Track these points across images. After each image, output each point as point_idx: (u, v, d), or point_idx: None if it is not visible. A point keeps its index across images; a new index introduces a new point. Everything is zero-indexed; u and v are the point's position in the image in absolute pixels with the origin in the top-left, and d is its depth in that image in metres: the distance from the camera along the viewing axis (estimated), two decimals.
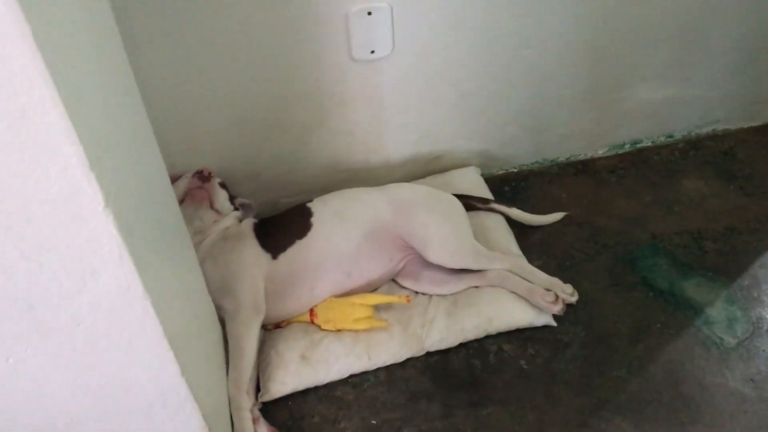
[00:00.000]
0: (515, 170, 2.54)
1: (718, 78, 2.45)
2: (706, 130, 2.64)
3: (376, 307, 1.99)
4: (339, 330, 1.95)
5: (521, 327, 2.00)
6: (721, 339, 2.02)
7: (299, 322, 1.98)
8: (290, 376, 1.86)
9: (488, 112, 2.25)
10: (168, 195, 1.49)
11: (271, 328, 1.98)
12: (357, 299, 1.98)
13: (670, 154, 2.60)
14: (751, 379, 1.94)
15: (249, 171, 2.17)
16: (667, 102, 2.46)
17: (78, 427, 1.32)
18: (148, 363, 1.21)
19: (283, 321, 1.98)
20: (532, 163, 2.53)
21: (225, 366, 1.84)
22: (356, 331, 1.95)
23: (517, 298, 2.02)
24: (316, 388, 1.89)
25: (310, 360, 1.89)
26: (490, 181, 2.46)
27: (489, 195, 2.29)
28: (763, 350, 2.00)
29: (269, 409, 1.86)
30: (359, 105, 2.07)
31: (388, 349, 1.94)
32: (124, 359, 1.18)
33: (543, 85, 2.25)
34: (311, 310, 1.97)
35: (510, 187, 2.49)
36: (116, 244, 0.98)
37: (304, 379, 1.87)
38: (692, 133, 2.64)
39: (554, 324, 2.03)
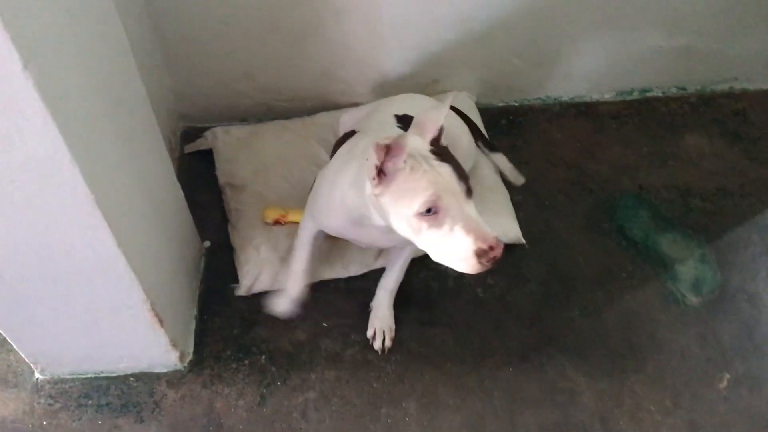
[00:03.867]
0: (516, 104, 2.50)
1: (738, 33, 2.33)
2: (721, 87, 2.54)
3: None
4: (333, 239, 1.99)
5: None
6: (684, 296, 2.01)
7: (297, 222, 2.01)
8: (266, 276, 1.93)
9: (489, 39, 2.20)
10: (130, 77, 1.51)
11: (272, 223, 2.03)
12: None
13: (680, 107, 2.52)
14: (703, 338, 1.94)
15: (243, 71, 2.19)
16: (680, 52, 2.36)
17: (27, 284, 1.41)
18: (83, 230, 1.27)
19: (283, 217, 2.02)
20: (534, 99, 2.49)
21: (194, 252, 1.92)
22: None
23: (495, 213, 2.04)
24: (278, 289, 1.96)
25: (289, 262, 1.94)
26: (489, 111, 2.43)
27: (480, 123, 2.27)
28: (723, 313, 2.00)
29: (232, 299, 1.94)
30: (355, 16, 2.04)
31: (363, 260, 1.99)
32: (58, 223, 1.25)
33: (549, 17, 2.18)
34: None
35: (507, 120, 2.46)
36: (38, 108, 1.02)
37: (278, 280, 1.93)
38: (707, 89, 2.54)
39: (523, 242, 2.07)
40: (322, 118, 2.28)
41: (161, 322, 1.60)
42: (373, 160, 1.27)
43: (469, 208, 1.31)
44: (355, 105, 2.26)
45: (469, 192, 1.33)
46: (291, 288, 1.84)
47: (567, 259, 2.07)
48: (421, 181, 1.28)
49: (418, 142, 1.35)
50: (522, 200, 2.18)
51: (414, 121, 1.42)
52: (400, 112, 1.83)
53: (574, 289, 2.00)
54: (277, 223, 2.02)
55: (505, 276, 2.02)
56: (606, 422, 1.76)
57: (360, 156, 1.49)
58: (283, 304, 1.85)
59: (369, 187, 1.35)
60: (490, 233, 1.27)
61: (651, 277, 2.05)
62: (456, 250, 1.28)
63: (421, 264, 1.98)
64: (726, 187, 2.27)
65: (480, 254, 1.26)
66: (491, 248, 1.25)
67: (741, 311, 2.00)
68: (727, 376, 1.87)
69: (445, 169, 1.31)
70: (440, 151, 1.35)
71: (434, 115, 1.37)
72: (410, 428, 1.73)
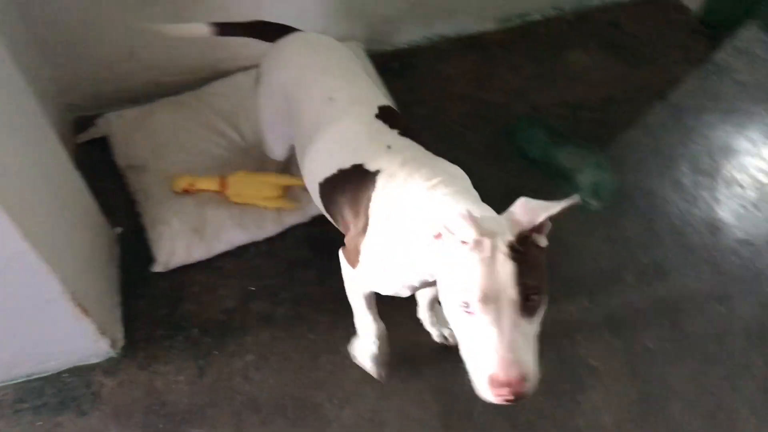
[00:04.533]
0: (405, 47, 2.54)
1: None
2: (595, 2, 2.66)
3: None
4: (246, 204, 2.00)
5: None
6: (587, 203, 2.13)
7: (208, 190, 2.01)
8: (181, 248, 1.93)
9: None
10: (7, 72, 1.47)
11: (181, 192, 2.01)
12: (270, 178, 2.02)
13: (559, 27, 2.63)
14: (609, 238, 2.07)
15: (126, 50, 2.14)
16: None
17: None
18: None
19: (191, 186, 2.01)
20: (421, 39, 2.54)
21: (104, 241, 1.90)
22: (264, 208, 2.01)
23: None
24: (196, 263, 1.96)
25: (202, 232, 1.95)
26: (380, 57, 2.46)
27: (372, 71, 2.30)
28: (623, 212, 2.13)
29: (151, 279, 1.93)
30: None
31: (278, 218, 2.01)
32: None
33: None
34: (222, 181, 2.01)
35: (399, 63, 2.50)
36: None
37: (194, 251, 1.94)
38: (581, 5, 2.66)
39: None
40: (215, 87, 2.26)
41: (85, 311, 1.59)
42: (458, 235, 1.08)
43: (514, 324, 1.04)
44: (245, 69, 2.26)
45: (527, 308, 1.05)
46: (375, 351, 1.72)
47: (474, 186, 2.15)
48: (473, 271, 1.05)
49: (502, 228, 1.09)
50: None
51: (514, 208, 1.13)
52: (315, 66, 1.65)
53: None
54: (186, 191, 2.01)
55: None
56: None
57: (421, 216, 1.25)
58: (377, 370, 1.76)
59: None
60: (513, 367, 1.02)
61: (554, 190, 2.15)
62: (476, 360, 1.07)
63: None
64: (611, 95, 2.40)
65: (494, 384, 1.03)
66: (509, 383, 1.02)
67: (639, 208, 2.15)
68: (634, 267, 2.02)
69: (507, 269, 1.05)
70: (520, 249, 1.07)
71: (536, 211, 1.11)
72: (352, 370, 1.79)
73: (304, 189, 2.01)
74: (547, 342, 1.84)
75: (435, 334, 1.83)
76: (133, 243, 1.98)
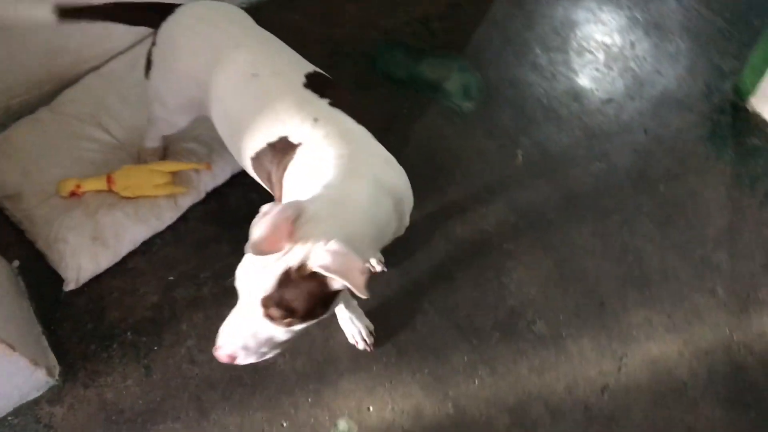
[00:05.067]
0: (246, 6, 2.52)
1: None
2: None
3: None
4: (137, 197, 1.96)
5: None
6: (460, 106, 2.24)
7: (95, 190, 1.95)
8: (86, 260, 1.88)
9: None
10: None
11: (67, 196, 1.94)
12: (156, 166, 1.99)
13: None
14: (489, 132, 2.20)
15: None
16: None
17: None
18: None
19: (78, 187, 1.94)
20: None
21: None
22: (155, 197, 1.97)
23: None
24: (107, 269, 1.93)
25: (103, 238, 1.91)
26: None
27: None
28: (495, 105, 2.26)
29: (67, 300, 1.88)
30: None
31: (172, 205, 1.99)
32: None
33: None
34: (109, 177, 1.95)
35: None
36: None
37: (101, 259, 1.90)
38: None
39: None
40: (68, 96, 2.16)
41: (11, 347, 1.55)
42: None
43: (245, 315, 1.20)
44: (95, 69, 2.19)
45: (269, 315, 1.17)
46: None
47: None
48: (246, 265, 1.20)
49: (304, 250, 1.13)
50: None
51: (327, 247, 1.11)
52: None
53: None
54: (74, 194, 1.95)
55: None
56: (446, 234, 1.97)
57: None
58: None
59: None
60: (221, 339, 1.23)
61: (427, 104, 2.25)
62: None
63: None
64: (454, 1, 2.50)
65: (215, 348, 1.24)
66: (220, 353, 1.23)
67: (508, 98, 2.28)
68: (520, 152, 2.15)
69: (265, 279, 1.15)
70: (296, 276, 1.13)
71: (341, 268, 1.11)
72: None
73: (194, 171, 2.01)
74: (465, 242, 1.98)
75: (348, 333, 1.81)
76: (36, 271, 1.91)
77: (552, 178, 2.10)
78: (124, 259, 1.94)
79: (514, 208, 2.04)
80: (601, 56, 2.39)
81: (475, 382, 1.76)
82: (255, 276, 1.16)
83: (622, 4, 2.53)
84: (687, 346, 1.83)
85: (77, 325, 1.85)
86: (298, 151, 1.37)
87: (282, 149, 1.40)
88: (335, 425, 1.72)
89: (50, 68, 2.15)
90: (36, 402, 1.74)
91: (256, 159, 1.49)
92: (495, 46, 2.39)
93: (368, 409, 1.73)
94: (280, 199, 1.43)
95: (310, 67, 1.55)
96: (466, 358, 1.79)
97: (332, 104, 1.42)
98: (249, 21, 1.67)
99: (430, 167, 2.11)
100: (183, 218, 2.01)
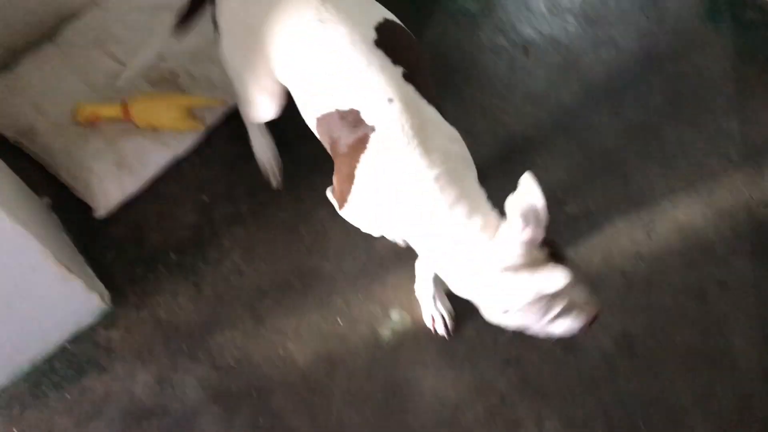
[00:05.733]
0: None
1: None
2: None
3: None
4: (155, 127, 1.94)
5: None
6: (465, 7, 2.27)
7: (111, 118, 1.93)
8: (114, 187, 1.88)
9: None
10: None
11: (84, 123, 1.93)
12: (174, 99, 1.97)
13: None
14: (499, 30, 2.23)
15: None
16: None
17: None
18: None
19: (95, 117, 1.92)
20: None
21: None
22: (174, 129, 1.95)
23: None
24: (138, 196, 1.93)
25: (128, 164, 1.90)
26: None
27: None
28: (500, 3, 2.29)
29: (104, 231, 1.89)
30: None
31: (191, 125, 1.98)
32: None
33: None
34: (125, 107, 1.92)
35: None
36: None
37: (128, 185, 1.89)
38: None
39: None
40: (71, 28, 2.11)
41: (69, 269, 1.56)
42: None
43: None
44: (95, 3, 2.15)
45: None
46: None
47: None
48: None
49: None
50: None
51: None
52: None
53: None
54: (91, 123, 1.93)
55: None
56: (467, 129, 2.02)
57: None
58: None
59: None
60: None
61: (432, 9, 2.26)
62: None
63: None
64: None
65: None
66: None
67: None
68: (529, 46, 2.20)
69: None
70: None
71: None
72: (331, 230, 1.87)
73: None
74: (487, 135, 2.02)
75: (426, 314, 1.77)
76: (66, 207, 1.90)
77: (564, 67, 2.15)
78: (155, 186, 1.94)
79: (531, 99, 2.09)
80: None
81: None
82: None
83: None
84: (710, 209, 1.92)
85: (119, 252, 1.86)
86: (372, 140, 1.30)
87: (352, 122, 1.32)
88: (389, 316, 1.77)
89: (49, 4, 2.11)
90: (92, 329, 1.76)
91: (322, 120, 1.40)
92: None
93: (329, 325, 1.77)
94: (345, 180, 1.37)
95: (380, 13, 1.42)
96: None
97: (406, 76, 1.32)
98: None
99: (444, 69, 2.13)
100: (206, 142, 2.01)
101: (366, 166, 1.31)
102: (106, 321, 1.77)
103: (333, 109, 1.35)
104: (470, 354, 1.72)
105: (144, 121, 1.94)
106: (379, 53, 1.32)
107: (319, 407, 1.67)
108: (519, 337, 1.67)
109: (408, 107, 1.29)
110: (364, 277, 1.82)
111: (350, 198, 1.39)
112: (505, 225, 1.20)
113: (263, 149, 1.93)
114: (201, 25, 1.70)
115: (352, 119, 1.32)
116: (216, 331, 1.76)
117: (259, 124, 1.86)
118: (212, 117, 2.00)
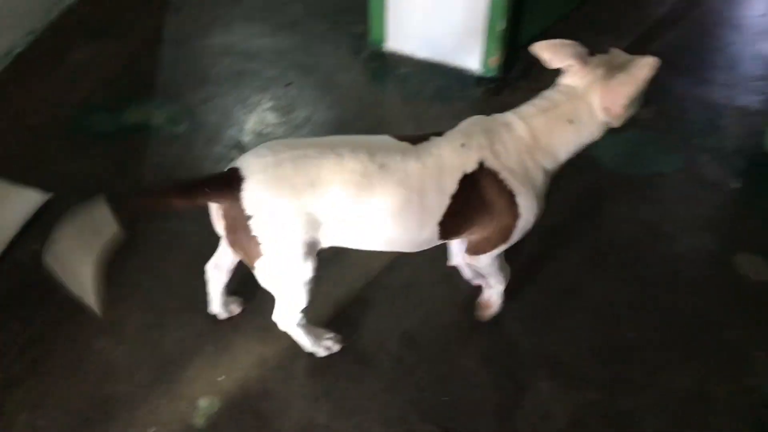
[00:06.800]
0: None
1: None
2: None
3: None
4: None
5: None
6: (174, 131, 2.50)
7: None
8: None
9: None
10: None
11: None
12: None
13: None
14: (209, 139, 2.48)
15: None
16: None
17: None
18: None
19: None
20: None
21: None
22: None
23: None
24: None
25: None
26: None
27: None
28: (204, 116, 2.56)
29: None
30: None
31: None
32: None
33: None
34: None
35: None
36: None
37: None
38: None
39: None
40: None
41: None
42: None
43: None
44: None
45: None
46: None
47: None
48: None
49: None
50: None
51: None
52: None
53: None
54: None
55: None
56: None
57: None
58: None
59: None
60: None
61: (145, 142, 2.47)
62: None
63: None
64: (127, 61, 2.77)
65: None
66: None
67: (207, 109, 2.59)
68: (234, 152, 2.47)
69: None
70: None
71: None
72: (114, 353, 1.88)
73: None
74: None
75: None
76: None
77: None
78: None
79: None
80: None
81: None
82: None
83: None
84: None
85: None
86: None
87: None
88: (197, 407, 1.81)
89: None
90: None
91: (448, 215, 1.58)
92: (178, 79, 2.70)
93: (219, 378, 1.86)
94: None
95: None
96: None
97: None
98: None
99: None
100: None
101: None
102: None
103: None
104: (283, 406, 1.81)
105: None
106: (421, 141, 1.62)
107: None
108: (320, 372, 1.85)
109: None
110: (161, 382, 1.85)
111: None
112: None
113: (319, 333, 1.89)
114: None
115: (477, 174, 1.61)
116: None
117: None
118: None
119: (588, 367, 1.89)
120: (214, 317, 1.97)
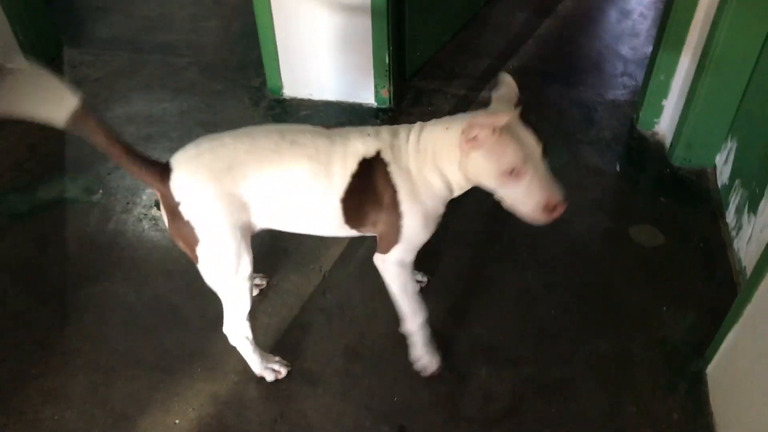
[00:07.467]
0: None
1: None
2: None
3: None
4: None
5: None
6: (91, 201, 2.55)
7: None
8: None
9: None
10: None
11: None
12: None
13: None
14: (134, 203, 2.53)
15: None
16: None
17: None
18: None
19: None
20: None
21: None
22: None
23: None
24: None
25: None
26: None
27: None
28: (118, 180, 2.61)
29: None
30: None
31: None
32: None
33: None
34: None
35: None
36: None
37: None
38: None
39: None
40: None
41: None
42: (476, 132, 1.49)
43: (544, 168, 1.53)
44: None
45: (544, 153, 1.52)
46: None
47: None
48: (508, 146, 1.48)
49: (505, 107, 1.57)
50: None
51: (496, 95, 1.62)
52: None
53: None
54: None
55: None
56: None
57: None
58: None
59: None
60: (559, 191, 1.52)
61: (63, 216, 2.50)
62: (529, 203, 1.53)
63: None
64: (31, 141, 2.79)
65: (549, 208, 1.52)
66: (555, 207, 1.51)
67: (124, 173, 2.65)
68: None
69: (529, 134, 1.51)
70: (524, 116, 1.53)
71: (513, 85, 1.62)
72: (68, 412, 1.88)
73: None
74: None
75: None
76: None
77: None
78: None
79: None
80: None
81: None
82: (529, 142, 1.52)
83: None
84: None
85: None
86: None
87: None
88: None
89: None
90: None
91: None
92: (86, 153, 2.74)
93: (176, 422, 1.89)
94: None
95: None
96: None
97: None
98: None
99: (99, 258, 2.36)
100: None
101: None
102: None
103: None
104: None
105: None
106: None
107: None
108: (272, 397, 1.93)
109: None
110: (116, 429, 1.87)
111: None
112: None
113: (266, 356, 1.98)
114: None
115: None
116: None
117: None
118: None
119: (518, 347, 2.05)
120: (160, 368, 2.01)
